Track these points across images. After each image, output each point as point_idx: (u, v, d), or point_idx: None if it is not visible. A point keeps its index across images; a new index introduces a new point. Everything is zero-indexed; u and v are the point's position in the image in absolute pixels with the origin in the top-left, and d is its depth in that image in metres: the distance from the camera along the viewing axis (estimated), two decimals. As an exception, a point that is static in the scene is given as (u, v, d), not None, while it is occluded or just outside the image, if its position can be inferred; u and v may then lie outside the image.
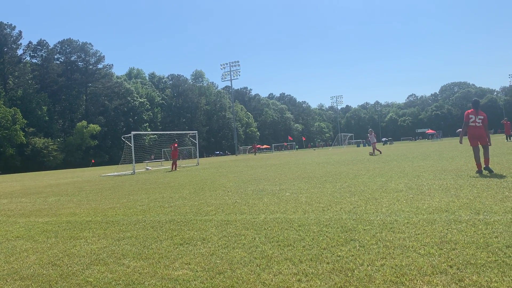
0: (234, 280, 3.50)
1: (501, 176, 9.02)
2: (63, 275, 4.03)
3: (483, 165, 9.99)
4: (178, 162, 40.07)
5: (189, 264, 4.04)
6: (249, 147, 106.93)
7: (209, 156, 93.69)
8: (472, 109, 10.34)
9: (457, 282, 3.10)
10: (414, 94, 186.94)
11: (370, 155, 26.01)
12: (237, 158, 47.48)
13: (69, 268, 4.26)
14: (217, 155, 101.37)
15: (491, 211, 5.42)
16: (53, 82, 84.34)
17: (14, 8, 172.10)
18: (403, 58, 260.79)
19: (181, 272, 3.82)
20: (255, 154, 61.77)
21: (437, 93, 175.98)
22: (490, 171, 9.74)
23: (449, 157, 16.86)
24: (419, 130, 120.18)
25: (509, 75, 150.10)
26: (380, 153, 26.63)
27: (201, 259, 4.20)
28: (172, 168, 24.72)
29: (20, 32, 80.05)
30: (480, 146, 10.21)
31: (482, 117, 10.13)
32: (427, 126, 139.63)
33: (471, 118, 10.22)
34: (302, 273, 3.54)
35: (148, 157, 44.07)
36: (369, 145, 54.25)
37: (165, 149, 48.23)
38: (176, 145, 25.89)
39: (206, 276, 3.65)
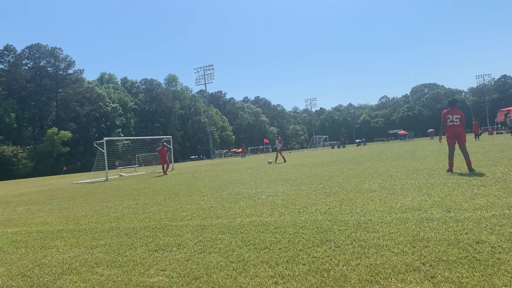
0: (210, 285, 3.47)
1: (470, 175, 9.28)
2: (34, 286, 3.91)
3: (455, 165, 10.13)
4: (153, 168, 39.59)
5: (165, 271, 3.99)
6: (224, 151, 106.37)
7: (184, 161, 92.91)
8: (448, 108, 10.54)
9: (429, 279, 3.17)
10: (386, 96, 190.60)
11: (269, 163, 24.93)
12: (213, 163, 47.25)
13: (40, 278, 4.14)
14: (192, 159, 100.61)
15: (461, 208, 5.57)
16: (22, 88, 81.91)
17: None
18: (374, 60, 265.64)
19: (156, 279, 3.76)
20: (243, 157, 56.83)
21: (408, 94, 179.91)
22: (472, 170, 9.82)
23: (420, 157, 17.24)
24: (392, 131, 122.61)
25: (476, 76, 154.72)
26: (284, 161, 25.34)
27: (176, 265, 4.15)
28: (164, 173, 24.46)
29: (-14, 37, 77.61)
30: (456, 146, 10.35)
31: (459, 116, 10.30)
32: (399, 126, 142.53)
33: (449, 118, 10.40)
34: (279, 276, 3.54)
35: (121, 163, 43.32)
36: (343, 147, 54.41)
37: (139, 155, 47.55)
38: (159, 149, 25.45)
39: (182, 282, 3.61)
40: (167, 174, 24.06)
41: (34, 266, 4.64)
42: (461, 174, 9.44)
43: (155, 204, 9.43)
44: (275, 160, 25.86)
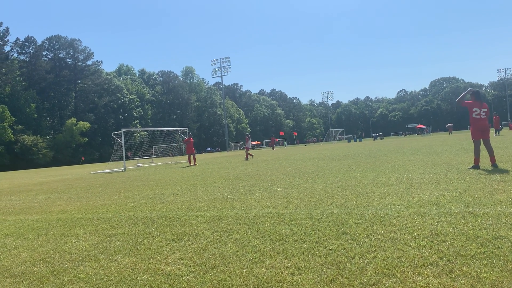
0: (226, 275, 3.51)
1: (489, 170, 9.12)
2: (55, 272, 4.01)
3: (485, 162, 9.80)
4: (169, 159, 39.92)
5: (182, 259, 4.04)
6: (240, 143, 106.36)
7: (200, 153, 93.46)
8: (473, 101, 9.95)
9: (447, 273, 3.14)
10: (404, 90, 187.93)
11: (245, 160, 25.63)
12: (229, 155, 47.42)
13: (60, 265, 4.23)
14: (208, 151, 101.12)
15: (480, 203, 5.49)
16: (42, 79, 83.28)
17: (0, 4, 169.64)
18: (392, 53, 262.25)
19: (173, 267, 3.81)
20: (273, 149, 54.00)
21: (427, 88, 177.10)
22: (496, 166, 9.49)
23: (438, 151, 17.01)
24: (409, 125, 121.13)
25: (497, 70, 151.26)
26: (252, 157, 26.40)
27: (193, 254, 4.20)
28: (190, 163, 24.25)
29: (7, 28, 78.76)
30: (481, 140, 9.93)
31: (486, 110, 9.86)
32: (417, 121, 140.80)
33: (475, 110, 9.86)
34: (295, 267, 3.55)
35: (138, 153, 43.78)
36: (360, 141, 53.62)
37: (155, 146, 47.99)
38: (186, 139, 25.32)
39: (198, 271, 3.66)
40: (196, 165, 23.67)
41: (55, 253, 4.75)
42: (480, 169, 9.28)
43: (172, 194, 9.53)
44: (247, 158, 26.19)
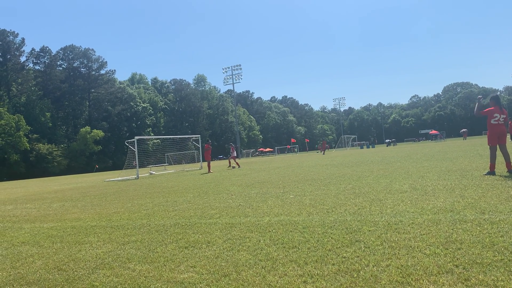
0: (239, 283, 3.50)
1: (505, 176, 8.98)
2: (69, 279, 4.04)
3: (500, 168, 9.62)
4: (181, 166, 40.10)
5: (195, 267, 4.05)
6: (251, 150, 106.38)
7: (212, 160, 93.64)
8: (493, 107, 9.86)
9: (463, 281, 3.10)
10: (417, 95, 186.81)
11: (232, 168, 25.97)
12: (240, 162, 47.44)
13: (75, 272, 4.27)
14: (220, 159, 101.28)
15: (496, 210, 5.40)
16: (56, 88, 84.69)
17: (16, 15, 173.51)
18: (405, 59, 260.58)
19: (186, 275, 3.82)
20: (323, 153, 51.31)
21: (440, 93, 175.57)
22: None
23: (453, 158, 16.81)
24: (423, 131, 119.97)
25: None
26: (239, 167, 26.27)
27: (206, 262, 4.21)
28: (208, 170, 24.41)
29: (23, 39, 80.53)
30: (498, 146, 9.82)
31: (505, 116, 9.78)
32: (430, 127, 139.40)
33: (496, 116, 9.78)
34: (308, 275, 3.54)
35: (152, 161, 44.02)
36: (373, 147, 52.90)
37: (168, 154, 48.28)
38: (206, 146, 25.52)
39: (211, 279, 3.66)
40: (210, 172, 23.79)
41: (69, 260, 4.79)
42: (496, 175, 9.14)
43: (184, 202, 9.57)
44: (230, 165, 26.79)
